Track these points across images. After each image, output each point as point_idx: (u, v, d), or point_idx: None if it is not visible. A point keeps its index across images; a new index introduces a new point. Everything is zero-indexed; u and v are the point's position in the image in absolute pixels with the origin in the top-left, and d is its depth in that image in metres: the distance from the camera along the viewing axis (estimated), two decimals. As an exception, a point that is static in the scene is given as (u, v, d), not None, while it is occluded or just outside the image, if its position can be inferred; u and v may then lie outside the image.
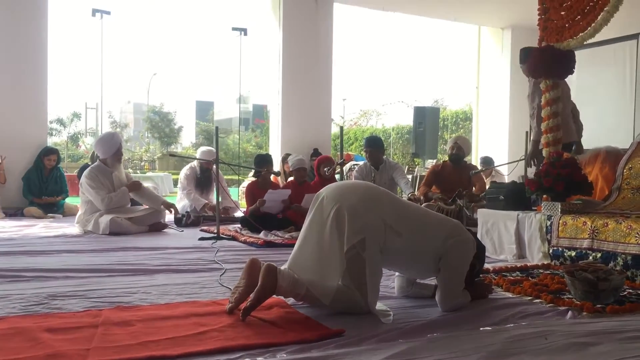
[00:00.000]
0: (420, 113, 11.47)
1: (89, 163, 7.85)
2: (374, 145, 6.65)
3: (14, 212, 7.43)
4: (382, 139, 7.98)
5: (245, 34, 10.13)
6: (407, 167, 11.42)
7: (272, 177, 6.35)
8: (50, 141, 7.94)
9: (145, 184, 6.69)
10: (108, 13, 9.66)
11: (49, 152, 7.90)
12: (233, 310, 2.56)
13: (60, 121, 35.44)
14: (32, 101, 8.21)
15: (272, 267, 2.55)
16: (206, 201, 7.25)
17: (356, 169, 6.86)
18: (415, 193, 6.58)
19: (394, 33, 74.12)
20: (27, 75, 8.13)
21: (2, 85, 7.97)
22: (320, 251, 2.65)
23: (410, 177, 9.76)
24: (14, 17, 8.02)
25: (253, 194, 6.16)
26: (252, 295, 2.53)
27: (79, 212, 6.05)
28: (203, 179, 7.31)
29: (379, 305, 2.68)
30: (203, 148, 7.70)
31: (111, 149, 6.02)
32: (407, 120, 21.87)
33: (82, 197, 6.01)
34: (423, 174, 11.29)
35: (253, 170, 6.94)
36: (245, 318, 2.45)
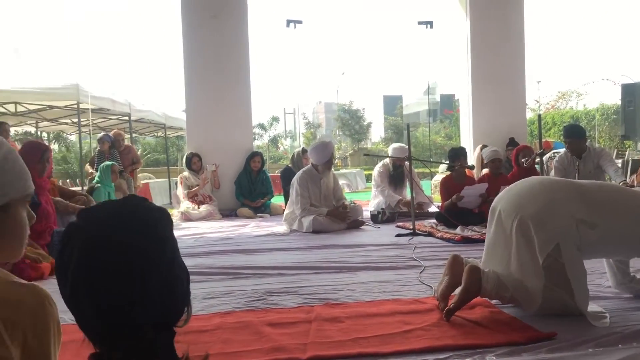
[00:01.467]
0: (630, 90, 10.39)
1: (289, 165, 8.43)
2: (574, 134, 6.15)
3: (228, 213, 8.26)
4: (585, 121, 7.37)
5: (431, 26, 10.06)
6: (615, 151, 10.40)
7: (466, 170, 6.23)
8: (254, 145, 8.73)
9: (340, 182, 6.94)
10: (300, 22, 10.25)
11: (254, 155, 8.64)
12: (447, 309, 2.51)
13: (261, 125, 38.41)
14: (239, 110, 9.03)
15: (475, 269, 2.52)
16: (400, 197, 7.36)
17: (556, 158, 6.42)
18: (627, 180, 5.97)
19: (594, 3, 67.64)
20: (233, 86, 8.97)
21: (213, 97, 8.88)
22: (513, 265, 2.54)
23: (619, 162, 8.88)
24: (219, 35, 8.89)
25: (448, 188, 6.10)
26: (455, 296, 2.53)
27: (286, 211, 6.51)
28: (396, 176, 7.43)
29: (592, 307, 2.50)
30: (394, 145, 7.82)
31: (324, 157, 6.34)
32: (613, 99, 19.87)
33: (290, 197, 6.44)
34: (636, 157, 10.20)
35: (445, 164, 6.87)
36: (449, 318, 2.46)
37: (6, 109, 10.65)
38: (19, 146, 8.25)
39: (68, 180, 17.96)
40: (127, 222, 1.03)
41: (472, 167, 6.61)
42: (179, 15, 8.89)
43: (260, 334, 2.37)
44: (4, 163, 1.16)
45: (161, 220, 1.07)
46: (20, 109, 11.04)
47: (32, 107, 11.24)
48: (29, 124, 14.34)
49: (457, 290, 2.55)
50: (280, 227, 6.50)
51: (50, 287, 1.07)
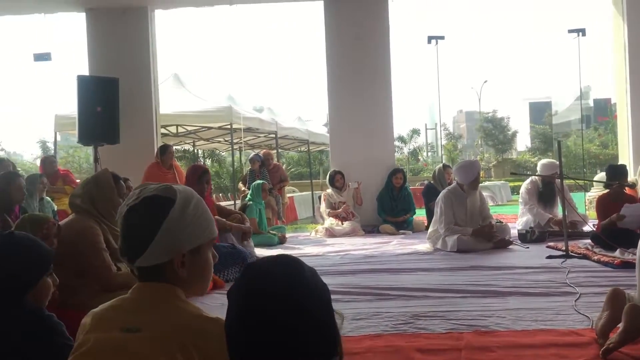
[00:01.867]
0: None
1: (431, 182, 8.37)
2: None
3: (370, 230, 8.37)
4: None
5: (584, 34, 9.48)
6: None
7: (626, 189, 5.79)
8: (395, 160, 8.85)
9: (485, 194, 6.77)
10: (442, 38, 10.17)
11: (396, 171, 8.68)
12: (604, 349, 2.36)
13: (400, 138, 38.41)
14: (381, 126, 9.14)
15: (636, 308, 2.36)
16: (550, 215, 6.99)
17: None
18: None
19: None
20: (374, 103, 9.10)
21: (356, 114, 9.07)
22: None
23: None
24: (362, 53, 9.08)
25: (605, 207, 5.71)
26: (614, 335, 2.39)
27: (430, 229, 6.48)
28: (546, 192, 7.07)
29: None
30: (544, 161, 7.45)
31: (470, 177, 6.25)
32: None
33: (435, 216, 6.41)
34: None
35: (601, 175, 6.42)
36: (605, 358, 2.32)
37: (168, 131, 11.72)
38: (179, 164, 9.04)
39: (221, 195, 19.26)
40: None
41: (632, 186, 6.13)
42: (323, 35, 9.23)
43: (410, 359, 2.42)
44: (196, 211, 1.34)
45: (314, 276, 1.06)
46: (180, 130, 12.14)
47: (190, 128, 12.29)
48: (187, 143, 15.69)
49: (619, 326, 2.41)
50: (423, 244, 6.47)
51: (214, 301, 1.16)
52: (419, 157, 41.21)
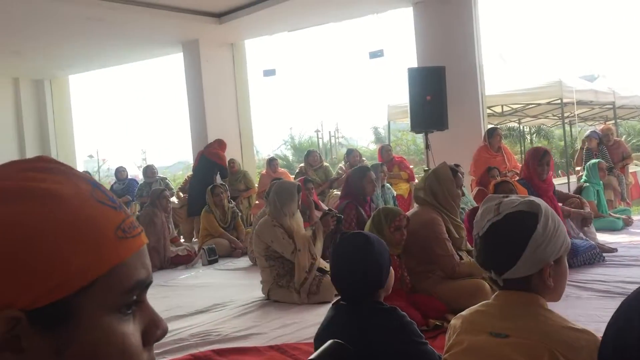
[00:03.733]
0: None
1: None
2: None
3: None
4: None
5: None
6: None
7: None
8: None
9: None
10: None
11: None
12: None
13: None
14: None
15: None
16: None
17: None
18: None
19: None
20: None
21: None
22: None
23: None
24: None
25: None
26: None
27: None
28: None
29: None
30: None
31: None
32: None
33: None
34: None
35: None
36: None
37: (493, 111, 11.62)
38: (506, 145, 8.90)
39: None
40: None
41: None
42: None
43: None
44: (554, 222, 1.35)
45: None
46: (505, 109, 11.93)
47: (516, 107, 11.98)
48: (512, 121, 15.33)
49: None
50: None
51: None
52: None
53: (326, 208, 7.12)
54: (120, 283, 0.55)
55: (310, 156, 8.80)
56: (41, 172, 0.56)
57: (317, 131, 23.33)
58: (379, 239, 1.96)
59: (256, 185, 9.13)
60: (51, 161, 0.59)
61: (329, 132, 22.94)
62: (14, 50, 9.01)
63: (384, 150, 8.49)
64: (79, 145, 12.30)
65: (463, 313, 1.48)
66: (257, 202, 8.72)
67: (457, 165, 5.03)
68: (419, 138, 16.08)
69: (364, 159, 9.24)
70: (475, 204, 5.73)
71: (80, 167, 12.10)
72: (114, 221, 0.56)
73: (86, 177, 0.60)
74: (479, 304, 1.48)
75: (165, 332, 0.61)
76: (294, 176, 8.50)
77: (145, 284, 0.59)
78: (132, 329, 0.57)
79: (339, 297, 1.94)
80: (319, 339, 1.82)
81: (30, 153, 11.13)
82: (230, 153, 9.04)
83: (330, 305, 1.99)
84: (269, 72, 10.15)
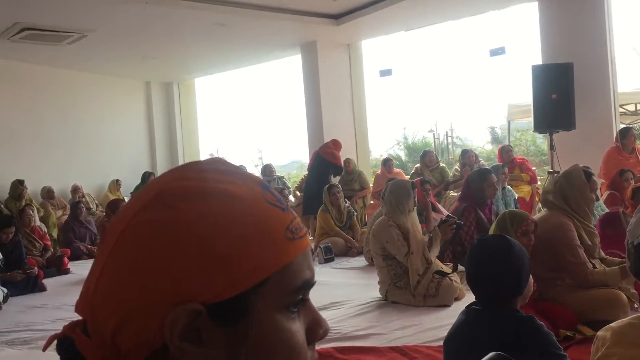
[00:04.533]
0: None
1: None
2: None
3: None
4: None
5: None
6: None
7: None
8: None
9: None
10: None
11: None
12: None
13: None
14: None
15: None
16: None
17: None
18: None
19: None
20: None
21: None
22: None
23: None
24: None
25: None
26: None
27: None
28: None
29: None
30: None
31: None
32: None
33: None
34: None
35: None
36: None
37: (625, 109, 10.82)
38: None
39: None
40: None
41: None
42: None
43: None
44: None
45: None
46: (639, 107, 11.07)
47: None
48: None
49: None
50: None
51: None
52: None
53: (443, 209, 7.00)
54: (289, 282, 0.57)
55: (427, 156, 8.68)
56: (217, 173, 0.59)
57: (430, 131, 22.91)
58: (520, 245, 1.88)
59: (371, 185, 9.15)
60: (225, 163, 0.62)
61: (446, 132, 22.42)
62: (149, 55, 9.67)
63: (505, 151, 8.19)
64: (202, 143, 12.90)
65: (612, 325, 1.39)
66: (371, 202, 8.74)
67: (586, 168, 4.74)
68: (540, 138, 15.32)
69: (480, 159, 8.97)
70: (606, 209, 5.37)
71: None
72: (283, 222, 0.58)
73: (256, 178, 0.62)
74: (632, 316, 1.38)
75: (327, 331, 0.62)
76: (409, 177, 8.42)
77: (311, 284, 0.60)
78: (298, 327, 0.58)
79: (471, 302, 1.88)
80: (450, 342, 1.78)
81: (160, 151, 11.89)
82: (345, 153, 9.12)
83: (452, 307, 1.94)
84: (386, 72, 10.12)
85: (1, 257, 5.41)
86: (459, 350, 1.68)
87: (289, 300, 0.57)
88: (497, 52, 9.08)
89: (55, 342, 0.61)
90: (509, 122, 11.27)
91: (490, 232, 3.27)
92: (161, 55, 9.76)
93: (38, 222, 7.56)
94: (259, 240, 0.56)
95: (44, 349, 0.63)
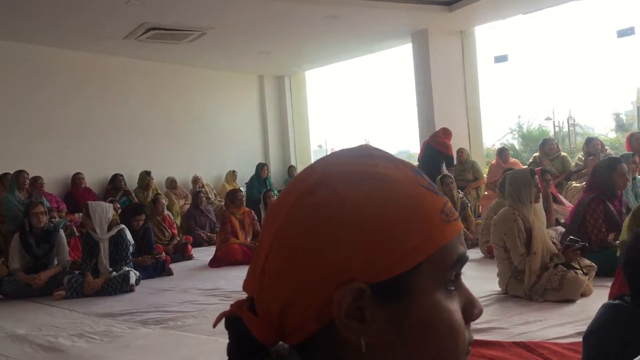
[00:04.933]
0: None
1: None
2: None
3: None
4: None
5: None
6: None
7: None
8: None
9: None
10: None
11: None
12: None
13: None
14: None
15: None
16: None
17: None
18: None
19: None
20: None
21: None
22: None
23: None
24: None
25: None
26: None
27: None
28: None
29: None
30: None
31: None
32: None
33: None
34: None
35: None
36: None
37: None
38: None
39: None
40: None
41: None
42: None
43: None
44: None
45: None
46: None
47: None
48: None
49: None
50: None
51: None
52: None
53: (565, 200, 6.64)
54: (446, 260, 0.59)
55: (547, 145, 8.27)
56: (372, 158, 0.61)
57: (548, 119, 21.73)
58: None
59: (485, 175, 8.87)
60: (375, 149, 0.64)
61: (567, 119, 21.13)
62: (264, 50, 9.97)
63: (634, 139, 7.60)
64: (312, 135, 13.12)
65: None
66: (485, 192, 8.47)
67: None
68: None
69: (606, 147, 8.39)
70: None
71: (311, 157, 12.98)
72: (438, 205, 0.59)
73: (408, 163, 0.63)
74: None
75: (481, 312, 0.63)
76: (526, 166, 8.07)
77: (465, 259, 0.61)
78: (456, 307, 0.60)
79: (618, 295, 1.75)
80: (591, 338, 1.67)
81: (272, 142, 12.25)
82: (457, 142, 8.91)
83: (578, 303, 1.82)
84: (501, 59, 9.75)
85: (133, 242, 5.81)
86: (605, 347, 1.58)
87: (446, 277, 0.59)
88: (625, 32, 8.45)
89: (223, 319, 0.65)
90: (638, 108, 10.48)
91: (625, 225, 3.05)
92: (274, 49, 10.02)
93: (166, 211, 8.07)
94: (418, 222, 0.57)
95: (214, 326, 0.66)
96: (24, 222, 5.74)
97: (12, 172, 7.64)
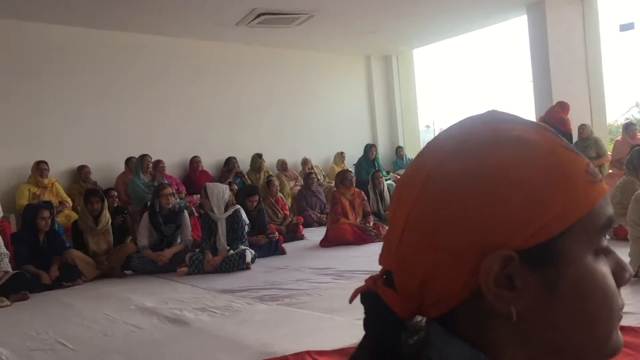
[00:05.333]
0: None
1: None
2: None
3: None
4: None
5: None
6: None
7: None
8: None
9: None
10: None
11: None
12: None
13: None
14: None
15: None
16: None
17: None
18: None
19: None
20: None
21: None
22: None
23: None
24: None
25: None
26: None
27: None
28: None
29: None
30: None
31: None
32: None
33: None
34: None
35: None
36: None
37: None
38: None
39: None
40: None
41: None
42: None
43: None
44: None
45: None
46: None
47: None
48: None
49: None
50: None
51: None
52: None
53: None
54: (595, 222, 0.56)
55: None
56: (505, 123, 0.59)
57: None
58: None
59: (609, 153, 8.29)
60: (505, 113, 0.61)
61: None
62: (370, 30, 9.89)
63: None
64: (420, 115, 12.89)
65: None
66: (610, 171, 7.92)
67: None
68: None
69: None
70: None
71: (419, 138, 12.77)
72: (582, 166, 0.56)
73: (543, 125, 0.60)
74: None
75: (632, 276, 0.60)
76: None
77: (613, 221, 0.58)
78: (607, 270, 0.57)
79: None
80: None
81: (380, 122, 12.18)
82: (578, 118, 8.38)
83: None
84: (627, 26, 9.01)
85: (248, 222, 6.03)
86: None
87: (596, 241, 0.56)
88: (626, 27, 7.51)
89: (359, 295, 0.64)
90: None
91: None
92: (381, 29, 9.91)
93: (279, 193, 8.30)
94: (564, 184, 0.54)
95: (350, 301, 0.66)
96: (154, 202, 6.14)
97: (136, 157, 8.17)
